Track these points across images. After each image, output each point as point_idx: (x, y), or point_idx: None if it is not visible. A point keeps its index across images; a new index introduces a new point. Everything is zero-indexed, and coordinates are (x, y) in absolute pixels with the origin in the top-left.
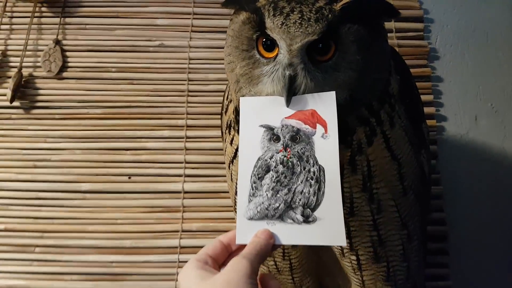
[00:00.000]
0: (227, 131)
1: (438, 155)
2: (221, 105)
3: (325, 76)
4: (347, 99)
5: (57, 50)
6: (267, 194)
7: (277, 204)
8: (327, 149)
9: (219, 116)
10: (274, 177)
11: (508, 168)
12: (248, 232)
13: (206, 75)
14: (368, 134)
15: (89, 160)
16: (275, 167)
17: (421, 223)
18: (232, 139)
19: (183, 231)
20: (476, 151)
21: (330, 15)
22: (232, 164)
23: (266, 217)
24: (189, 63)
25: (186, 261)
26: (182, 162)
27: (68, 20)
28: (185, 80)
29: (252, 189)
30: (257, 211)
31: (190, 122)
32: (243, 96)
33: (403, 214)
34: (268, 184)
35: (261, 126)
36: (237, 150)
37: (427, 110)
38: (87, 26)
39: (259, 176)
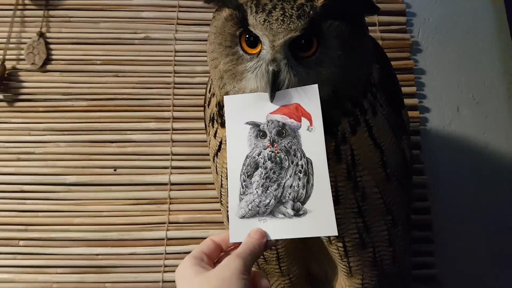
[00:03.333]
0: (210, 124)
1: (422, 146)
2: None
3: (308, 71)
4: (330, 95)
5: (41, 42)
6: (257, 192)
7: (267, 201)
8: (313, 141)
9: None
10: (263, 173)
11: (490, 157)
12: (241, 231)
13: (192, 67)
14: (352, 124)
15: (74, 152)
16: (263, 163)
17: (404, 208)
18: (216, 132)
19: (169, 223)
20: (459, 141)
21: (311, 12)
22: (217, 157)
23: (258, 214)
24: (175, 56)
25: (173, 253)
26: (168, 154)
27: (52, 12)
28: (171, 73)
29: (242, 188)
30: (249, 209)
31: (176, 114)
32: (227, 92)
33: (387, 200)
34: (257, 181)
35: (247, 123)
36: (221, 143)
37: (410, 101)
38: (72, 19)
39: (248, 174)
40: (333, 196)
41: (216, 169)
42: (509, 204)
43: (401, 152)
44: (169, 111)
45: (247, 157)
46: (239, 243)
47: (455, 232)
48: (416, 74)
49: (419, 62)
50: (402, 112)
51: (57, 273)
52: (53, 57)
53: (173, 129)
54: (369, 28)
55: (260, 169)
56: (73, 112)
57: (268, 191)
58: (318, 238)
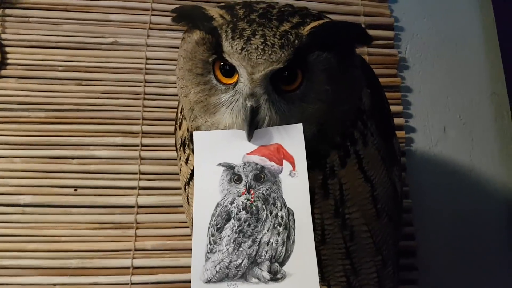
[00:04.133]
0: (181, 148)
1: (407, 167)
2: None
3: (292, 107)
4: (315, 134)
5: None
6: (227, 249)
7: (239, 260)
8: (296, 188)
9: None
10: (236, 226)
11: (476, 180)
12: None
13: (165, 76)
14: (341, 156)
15: (30, 169)
16: (236, 214)
17: (394, 246)
18: (187, 158)
19: (136, 250)
20: (445, 163)
21: (296, 41)
22: (188, 186)
23: (227, 277)
24: (146, 63)
25: (139, 283)
26: (136, 173)
27: (8, 11)
28: (141, 82)
29: (210, 244)
30: (216, 271)
31: (146, 128)
32: (198, 127)
33: (377, 239)
34: (228, 236)
35: (220, 164)
36: (193, 171)
37: (396, 121)
38: (31, 19)
39: (218, 226)
40: (318, 235)
41: (188, 200)
42: (496, 229)
43: (392, 185)
44: (138, 124)
45: (217, 205)
46: None
47: (439, 258)
48: (403, 92)
49: (406, 79)
50: (393, 141)
51: None
52: (9, 61)
53: (142, 145)
54: None
55: (232, 220)
56: (30, 123)
57: (240, 249)
58: None
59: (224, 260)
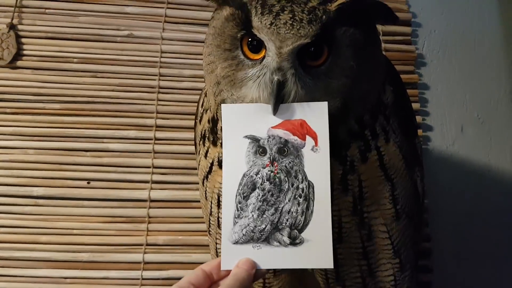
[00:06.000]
0: (201, 142)
1: (423, 167)
2: (195, 111)
3: (317, 82)
4: (338, 108)
5: (11, 35)
6: (252, 215)
7: (263, 226)
8: (317, 163)
9: (193, 117)
10: (260, 195)
11: (493, 180)
12: (233, 258)
13: (180, 70)
14: (362, 149)
15: (43, 161)
16: (261, 184)
17: (414, 249)
18: (207, 151)
19: (147, 244)
20: (462, 163)
21: (324, 17)
22: (207, 180)
23: (252, 240)
24: (161, 57)
25: (150, 279)
26: (149, 167)
27: (25, 2)
28: (156, 75)
29: (237, 210)
30: (243, 234)
31: (160, 122)
32: (223, 100)
33: (396, 241)
34: (254, 204)
35: (246, 137)
36: (212, 164)
37: None
38: (47, 11)
39: (245, 195)
40: (335, 232)
41: (206, 194)
42: None
43: (413, 186)
44: (152, 118)
45: (244, 175)
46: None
47: (455, 261)
48: (420, 89)
49: (423, 76)
50: (415, 141)
51: None
52: (25, 52)
53: (156, 139)
54: None
55: (257, 190)
56: (44, 115)
57: (264, 216)
58: (315, 278)
59: (249, 225)
